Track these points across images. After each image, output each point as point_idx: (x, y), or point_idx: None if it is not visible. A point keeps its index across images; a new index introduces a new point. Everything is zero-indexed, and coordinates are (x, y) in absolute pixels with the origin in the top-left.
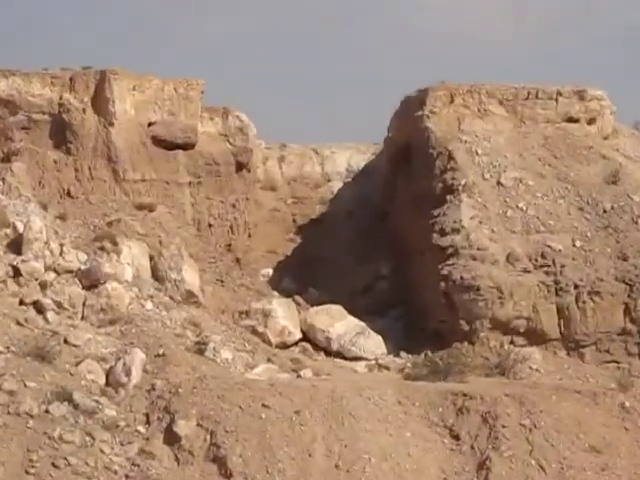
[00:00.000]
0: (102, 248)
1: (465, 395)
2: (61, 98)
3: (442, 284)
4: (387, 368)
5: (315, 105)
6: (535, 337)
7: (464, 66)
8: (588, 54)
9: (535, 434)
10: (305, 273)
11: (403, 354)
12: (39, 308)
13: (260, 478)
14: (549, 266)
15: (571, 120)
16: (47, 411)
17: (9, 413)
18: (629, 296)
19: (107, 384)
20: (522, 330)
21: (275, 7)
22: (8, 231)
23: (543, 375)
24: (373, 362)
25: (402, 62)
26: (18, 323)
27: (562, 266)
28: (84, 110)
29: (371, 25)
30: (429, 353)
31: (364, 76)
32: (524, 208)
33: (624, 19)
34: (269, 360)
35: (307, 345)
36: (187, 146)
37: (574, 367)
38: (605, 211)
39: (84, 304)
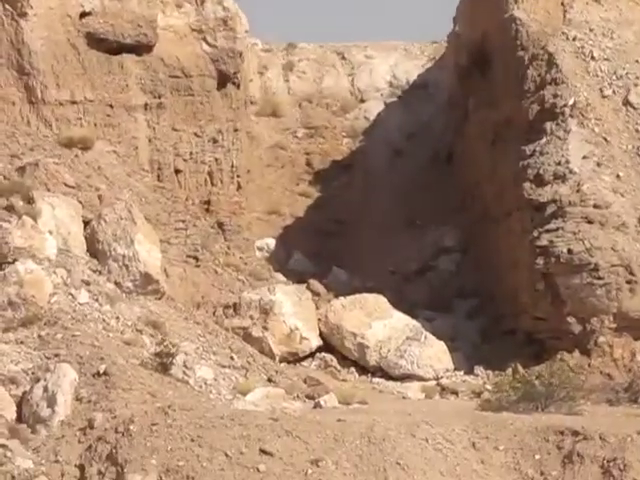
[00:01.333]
0: (9, 208)
1: (577, 434)
2: None
3: (539, 261)
4: (455, 392)
5: None
6: None
7: None
8: None
9: None
10: (326, 245)
11: (479, 370)
12: None
13: None
14: None
15: None
16: None
17: None
18: None
19: (19, 420)
20: None
21: None
22: None
23: None
24: (433, 383)
25: None
26: None
27: None
28: None
29: None
30: (520, 369)
31: None
32: None
33: None
34: (270, 381)
35: (330, 357)
36: (141, 48)
37: None
38: None
39: None
